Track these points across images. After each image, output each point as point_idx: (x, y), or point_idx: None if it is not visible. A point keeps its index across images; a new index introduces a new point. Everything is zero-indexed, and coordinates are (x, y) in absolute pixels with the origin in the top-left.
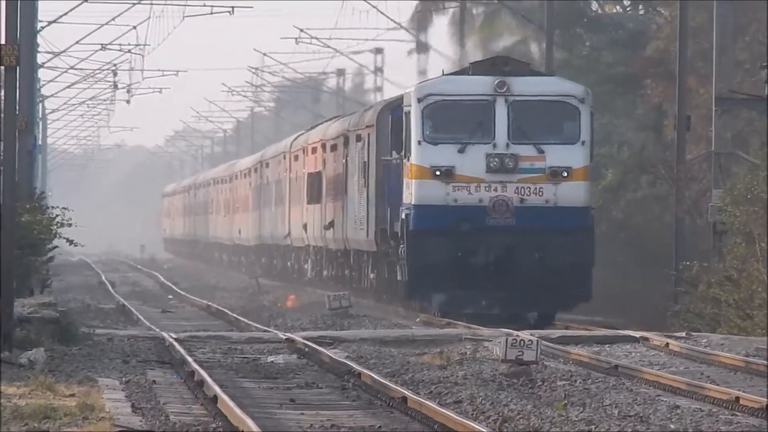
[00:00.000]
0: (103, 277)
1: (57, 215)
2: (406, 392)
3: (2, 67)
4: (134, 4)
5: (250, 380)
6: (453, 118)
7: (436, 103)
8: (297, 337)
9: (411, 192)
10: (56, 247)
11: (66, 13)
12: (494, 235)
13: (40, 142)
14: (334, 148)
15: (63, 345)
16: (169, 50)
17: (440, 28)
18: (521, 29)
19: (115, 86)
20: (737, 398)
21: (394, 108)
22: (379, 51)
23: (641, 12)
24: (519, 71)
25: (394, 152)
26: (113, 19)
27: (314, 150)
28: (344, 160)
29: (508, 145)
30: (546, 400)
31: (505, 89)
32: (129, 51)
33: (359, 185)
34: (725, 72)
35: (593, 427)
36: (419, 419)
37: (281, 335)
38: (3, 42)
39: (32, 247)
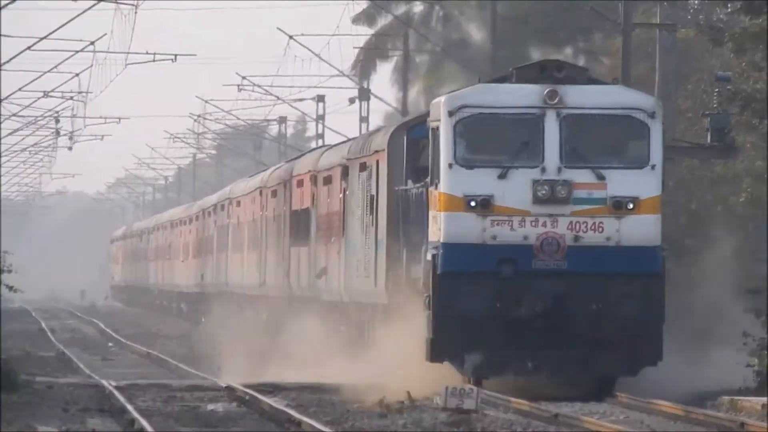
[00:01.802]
0: (43, 324)
1: None
2: None
3: None
4: (77, 51)
5: (189, 429)
6: (492, 136)
7: (471, 117)
8: (237, 385)
9: (439, 227)
10: None
11: (8, 61)
12: (542, 281)
13: None
14: (328, 180)
15: (3, 393)
16: (112, 97)
17: (383, 75)
18: (466, 77)
19: (57, 133)
20: None
21: (411, 127)
22: (321, 98)
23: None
24: (574, 78)
25: (410, 181)
26: (56, 66)
27: (300, 183)
28: (342, 195)
29: (560, 170)
30: None
31: (557, 100)
32: (71, 98)
33: (364, 223)
34: (668, 121)
35: None
36: None
37: (221, 383)
38: None
39: None
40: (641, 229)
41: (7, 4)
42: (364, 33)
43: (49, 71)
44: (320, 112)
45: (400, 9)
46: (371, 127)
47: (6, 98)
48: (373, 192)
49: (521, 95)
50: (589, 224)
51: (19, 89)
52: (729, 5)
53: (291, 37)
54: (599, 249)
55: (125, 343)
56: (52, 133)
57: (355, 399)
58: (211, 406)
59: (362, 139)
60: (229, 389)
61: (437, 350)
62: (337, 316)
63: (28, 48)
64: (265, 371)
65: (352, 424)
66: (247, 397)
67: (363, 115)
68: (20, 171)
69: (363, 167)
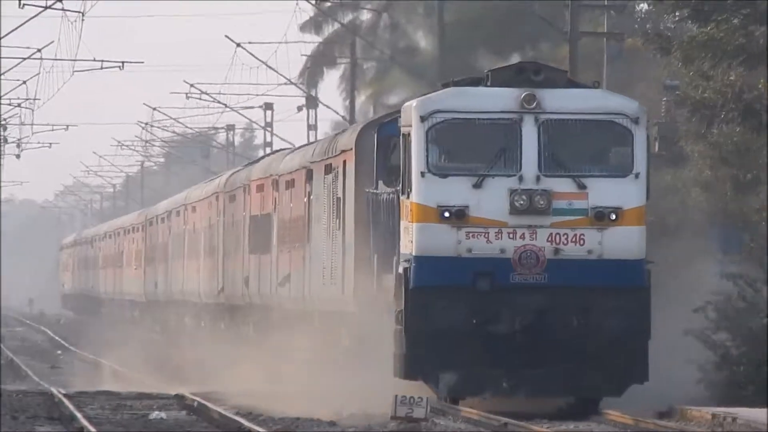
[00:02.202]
0: None
1: None
2: None
3: None
4: (24, 59)
5: None
6: (467, 143)
7: (444, 122)
8: (186, 393)
9: (411, 239)
10: None
11: None
12: (520, 296)
13: None
14: (290, 184)
15: None
16: (60, 105)
17: (331, 83)
18: (414, 83)
19: (5, 141)
20: None
21: (382, 125)
22: (269, 106)
23: None
24: (553, 82)
25: (381, 182)
26: (3, 74)
27: (260, 188)
28: (306, 199)
29: (538, 179)
30: None
31: (534, 105)
32: (19, 105)
33: (330, 228)
34: None
35: None
36: None
37: (171, 392)
38: None
39: None
40: (625, 242)
41: None
42: (311, 41)
43: None
44: (268, 119)
45: (347, 17)
46: (320, 135)
47: None
48: (340, 194)
49: (497, 99)
50: (569, 236)
51: None
52: (677, 14)
53: (238, 44)
54: (581, 262)
55: (74, 351)
56: None
57: (309, 409)
58: (159, 415)
59: (327, 141)
60: (178, 397)
61: (410, 368)
62: (302, 325)
63: None
64: (218, 380)
65: (302, 431)
66: (196, 405)
67: (311, 123)
68: None
69: (329, 169)
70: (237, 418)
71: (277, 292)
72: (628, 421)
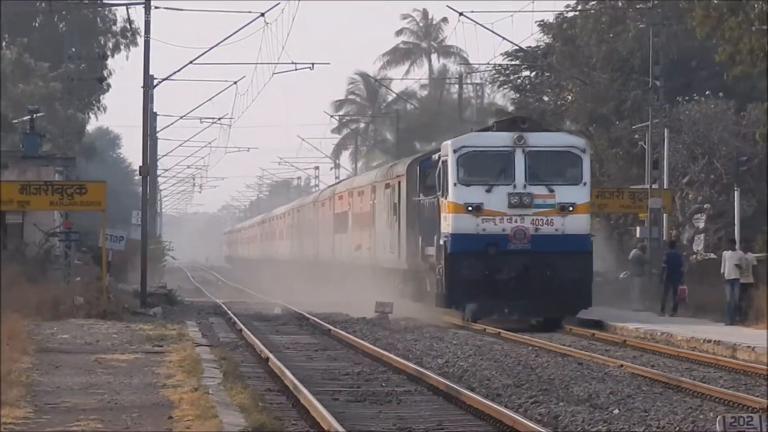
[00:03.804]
0: (188, 274)
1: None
2: (330, 327)
3: None
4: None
5: (258, 322)
6: (481, 165)
7: (468, 153)
8: (286, 304)
9: (448, 223)
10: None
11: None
12: (514, 257)
13: None
14: (361, 194)
15: (169, 306)
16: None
17: (345, 155)
18: (384, 157)
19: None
20: None
21: (421, 161)
22: (317, 168)
23: None
24: (533, 128)
25: (421, 194)
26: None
27: (341, 197)
28: (371, 203)
29: (525, 186)
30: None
31: (522, 142)
32: (219, 120)
33: (389, 220)
34: None
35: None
36: (336, 339)
37: (277, 301)
38: None
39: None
40: (577, 224)
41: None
42: (336, 137)
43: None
44: (317, 174)
45: (353, 125)
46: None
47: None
48: (396, 201)
49: (499, 139)
50: (544, 220)
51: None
52: None
53: (303, 139)
54: (551, 236)
55: (226, 282)
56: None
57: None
58: (274, 312)
59: (385, 169)
60: (275, 304)
61: (448, 301)
62: (369, 276)
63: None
64: (309, 299)
65: (339, 323)
66: (289, 307)
67: (336, 175)
68: (172, 195)
69: (387, 186)
70: (317, 319)
71: (352, 255)
72: (578, 332)
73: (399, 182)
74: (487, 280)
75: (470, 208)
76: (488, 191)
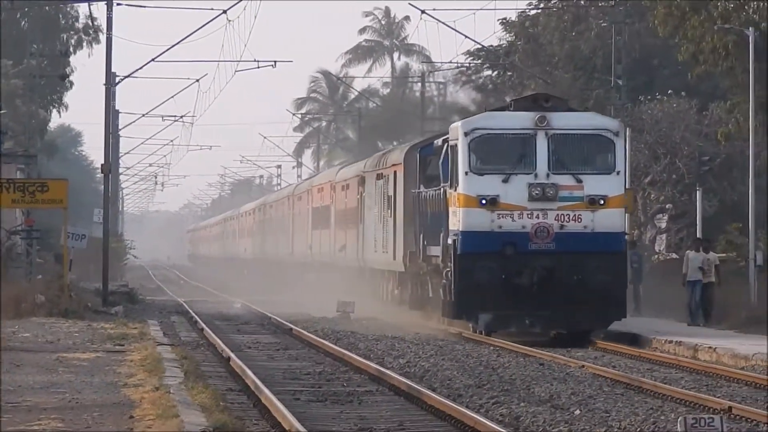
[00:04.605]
0: (150, 272)
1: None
2: (291, 326)
3: None
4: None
5: (219, 322)
6: (497, 150)
7: (481, 136)
8: (246, 302)
9: (458, 219)
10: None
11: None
12: (536, 259)
13: None
14: (346, 187)
15: (131, 304)
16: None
17: (307, 154)
18: (346, 156)
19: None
20: None
21: (422, 148)
22: (279, 167)
23: None
24: (557, 107)
25: (422, 186)
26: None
27: (321, 190)
28: (359, 196)
29: (548, 176)
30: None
31: (545, 123)
32: (181, 118)
33: (381, 215)
34: None
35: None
36: (298, 338)
37: (239, 300)
38: None
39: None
40: (610, 220)
41: None
42: (299, 134)
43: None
44: (279, 173)
45: (316, 124)
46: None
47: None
48: (391, 194)
49: (518, 120)
50: (571, 216)
51: None
52: None
53: (265, 137)
54: (578, 234)
55: (188, 281)
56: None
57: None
58: (232, 311)
59: (377, 158)
60: (243, 304)
61: (457, 310)
62: (355, 278)
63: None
64: (257, 299)
65: (312, 325)
66: (251, 306)
67: (299, 174)
68: (134, 193)
69: (379, 176)
70: (266, 313)
71: (335, 255)
72: (609, 347)
73: (395, 172)
74: (503, 286)
75: (484, 202)
76: (505, 181)
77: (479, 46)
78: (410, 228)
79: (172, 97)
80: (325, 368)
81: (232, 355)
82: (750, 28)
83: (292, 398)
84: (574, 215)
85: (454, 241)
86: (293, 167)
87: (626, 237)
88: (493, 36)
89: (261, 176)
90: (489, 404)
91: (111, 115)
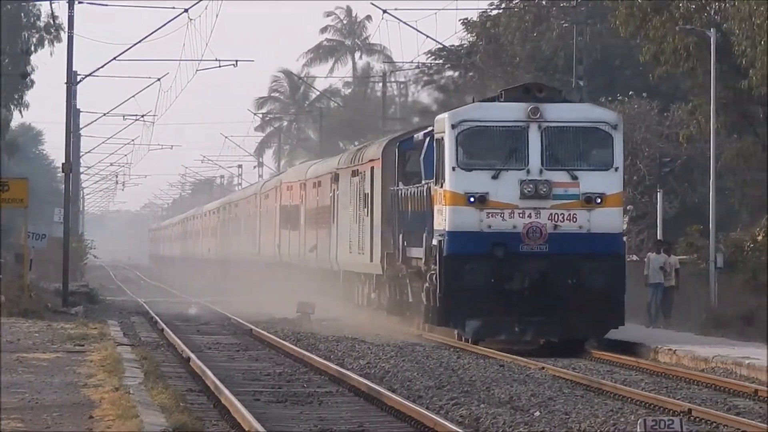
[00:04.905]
0: (110, 272)
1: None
2: (252, 327)
3: None
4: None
5: (180, 322)
6: (487, 144)
7: (470, 129)
8: (203, 302)
9: (444, 218)
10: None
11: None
12: (528, 261)
13: None
14: (317, 184)
15: (91, 304)
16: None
17: (268, 153)
18: (307, 156)
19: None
20: None
21: (401, 142)
22: (240, 167)
23: None
24: (551, 98)
25: (401, 183)
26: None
27: (290, 188)
28: (332, 194)
29: (541, 172)
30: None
31: (538, 115)
32: (142, 117)
33: (357, 214)
34: None
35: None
36: (258, 339)
37: (194, 300)
38: None
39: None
40: (607, 220)
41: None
42: (260, 134)
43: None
44: (240, 172)
45: (277, 123)
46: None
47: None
48: (367, 191)
49: (509, 111)
50: (565, 215)
51: None
52: None
53: (226, 137)
54: (574, 235)
55: (149, 281)
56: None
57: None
58: (193, 310)
59: (352, 153)
60: (197, 303)
61: (442, 316)
62: (327, 280)
63: None
64: (221, 299)
65: (273, 325)
66: (212, 307)
67: (260, 173)
68: (95, 192)
69: (355, 173)
70: (227, 314)
71: (305, 256)
72: (607, 357)
73: (372, 168)
74: (493, 290)
75: (472, 199)
76: (495, 178)
77: (441, 46)
78: (389, 228)
79: (134, 96)
80: (285, 369)
81: (192, 355)
82: (711, 29)
83: (252, 399)
84: (569, 214)
85: (440, 242)
86: (254, 167)
87: (624, 238)
88: (455, 36)
89: (222, 176)
90: (449, 405)
91: (72, 114)
